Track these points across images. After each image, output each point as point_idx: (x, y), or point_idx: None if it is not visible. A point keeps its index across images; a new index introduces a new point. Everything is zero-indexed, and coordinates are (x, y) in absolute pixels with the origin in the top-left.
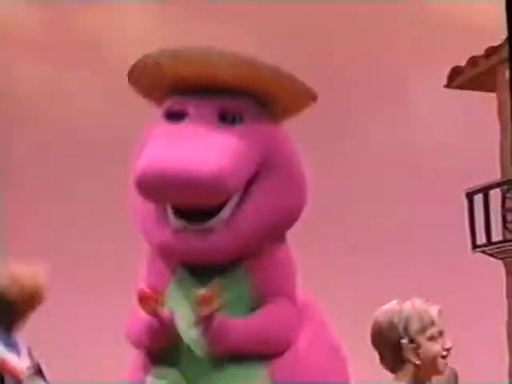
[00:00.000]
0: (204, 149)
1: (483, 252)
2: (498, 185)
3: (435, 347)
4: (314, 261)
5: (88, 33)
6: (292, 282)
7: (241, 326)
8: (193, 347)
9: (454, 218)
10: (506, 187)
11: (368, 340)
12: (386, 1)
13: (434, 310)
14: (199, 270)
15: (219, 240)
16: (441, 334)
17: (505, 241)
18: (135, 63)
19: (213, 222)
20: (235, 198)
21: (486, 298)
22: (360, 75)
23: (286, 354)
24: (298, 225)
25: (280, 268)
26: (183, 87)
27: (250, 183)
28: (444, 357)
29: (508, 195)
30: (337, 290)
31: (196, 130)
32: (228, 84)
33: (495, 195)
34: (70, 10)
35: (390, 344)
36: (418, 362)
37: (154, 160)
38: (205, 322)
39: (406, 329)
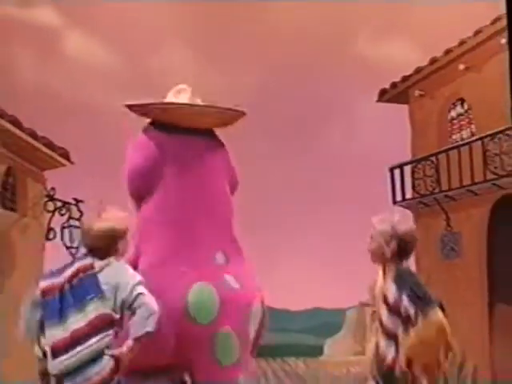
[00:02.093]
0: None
1: (400, 205)
2: (409, 162)
3: None
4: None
5: None
6: None
7: None
8: None
9: (382, 184)
10: (414, 164)
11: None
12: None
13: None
14: None
15: None
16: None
17: (414, 198)
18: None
19: None
20: None
21: None
22: (319, 94)
23: None
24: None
25: None
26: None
27: None
28: None
29: (415, 169)
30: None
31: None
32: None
33: (407, 169)
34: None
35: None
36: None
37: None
38: None
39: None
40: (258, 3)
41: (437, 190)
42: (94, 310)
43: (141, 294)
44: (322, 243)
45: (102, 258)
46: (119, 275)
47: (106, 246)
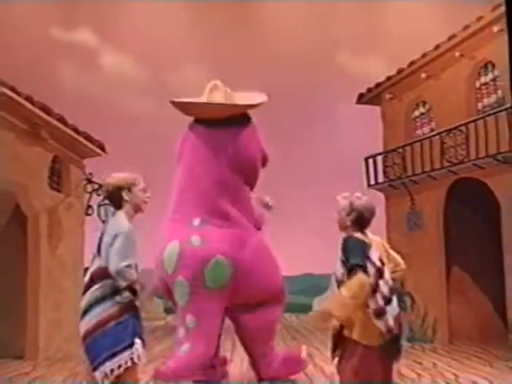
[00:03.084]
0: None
1: (373, 188)
2: (380, 153)
3: None
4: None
5: None
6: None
7: None
8: None
9: (359, 171)
10: (385, 154)
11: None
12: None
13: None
14: None
15: None
16: None
17: (384, 182)
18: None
19: None
20: None
21: None
22: (307, 98)
23: None
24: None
25: None
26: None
27: None
28: None
29: (386, 159)
30: None
31: None
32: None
33: (379, 159)
34: None
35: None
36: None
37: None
38: None
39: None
40: (251, 19)
41: (403, 176)
42: (94, 264)
43: (117, 241)
44: (312, 218)
45: (116, 209)
46: (114, 225)
47: (114, 197)
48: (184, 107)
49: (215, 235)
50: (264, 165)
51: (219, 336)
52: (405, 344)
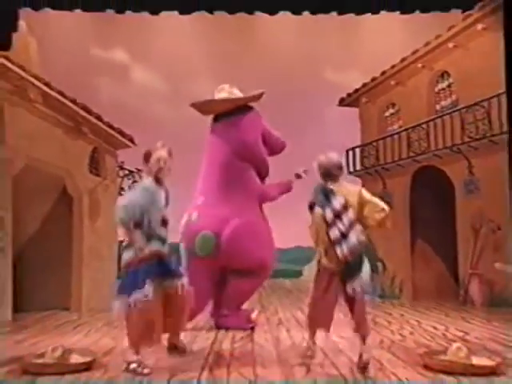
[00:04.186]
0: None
1: (353, 174)
2: (358, 146)
3: None
4: None
5: None
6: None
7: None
8: None
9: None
10: (362, 147)
11: None
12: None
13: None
14: None
15: None
16: None
17: (361, 169)
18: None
19: None
20: None
21: None
22: (297, 103)
23: None
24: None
25: None
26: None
27: None
28: None
29: (363, 151)
30: None
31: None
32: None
33: (358, 151)
34: None
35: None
36: None
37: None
38: None
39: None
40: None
41: (376, 164)
42: None
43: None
44: (303, 202)
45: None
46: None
47: (143, 167)
48: (198, 106)
49: (207, 213)
50: (275, 150)
51: (212, 294)
52: (377, 300)
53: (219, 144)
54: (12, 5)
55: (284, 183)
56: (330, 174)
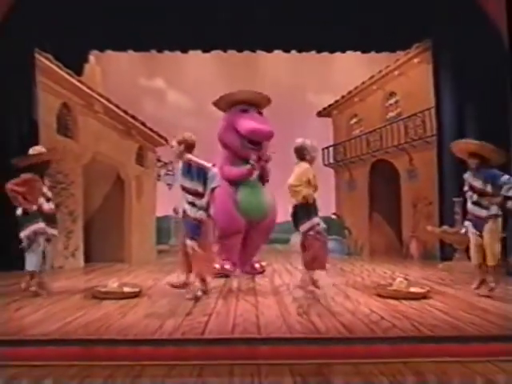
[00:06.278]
0: (265, 122)
1: (327, 166)
2: (331, 146)
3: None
4: None
5: None
6: None
7: None
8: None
9: (318, 156)
10: (334, 146)
11: None
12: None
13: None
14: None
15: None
16: None
17: (334, 162)
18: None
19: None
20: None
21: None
22: (284, 118)
23: None
24: None
25: None
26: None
27: None
28: None
29: (335, 149)
30: None
31: (256, 116)
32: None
33: (331, 149)
34: None
35: None
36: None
37: (256, 126)
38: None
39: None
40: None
41: (345, 159)
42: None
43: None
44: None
45: None
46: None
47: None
48: (215, 103)
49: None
50: (256, 139)
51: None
52: (345, 256)
53: (219, 132)
54: (85, 48)
55: (244, 170)
56: (299, 154)
